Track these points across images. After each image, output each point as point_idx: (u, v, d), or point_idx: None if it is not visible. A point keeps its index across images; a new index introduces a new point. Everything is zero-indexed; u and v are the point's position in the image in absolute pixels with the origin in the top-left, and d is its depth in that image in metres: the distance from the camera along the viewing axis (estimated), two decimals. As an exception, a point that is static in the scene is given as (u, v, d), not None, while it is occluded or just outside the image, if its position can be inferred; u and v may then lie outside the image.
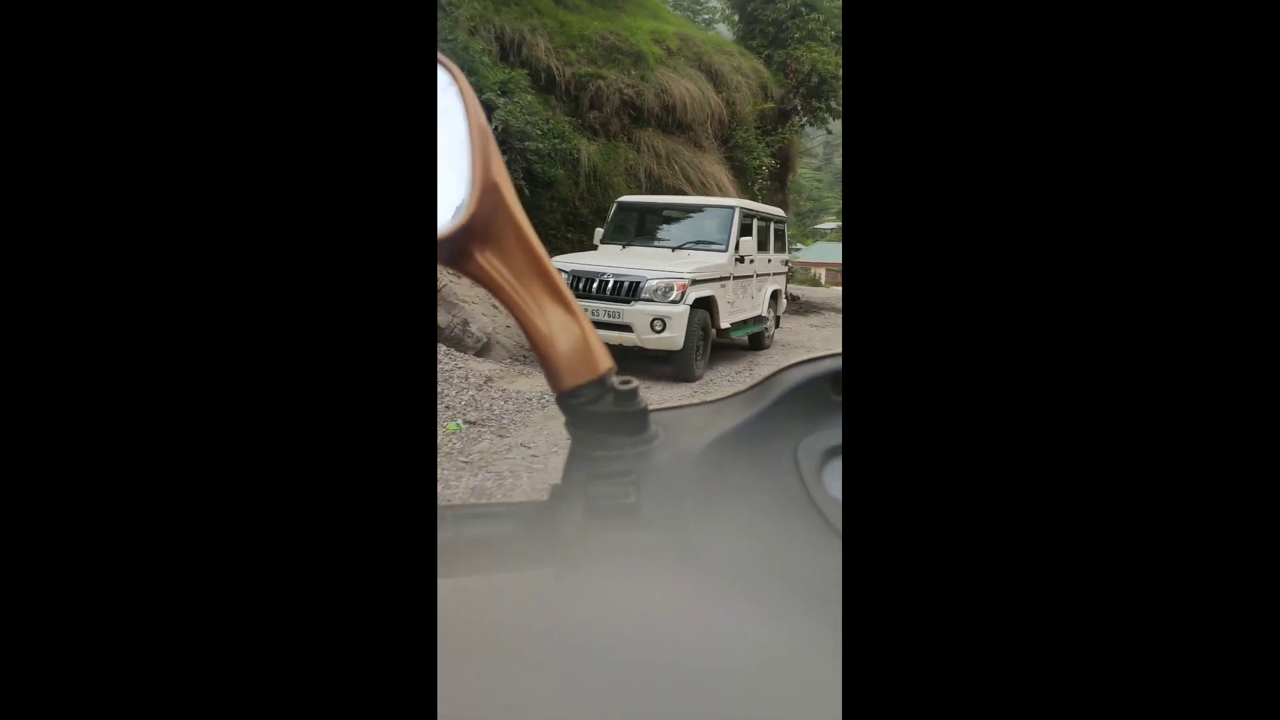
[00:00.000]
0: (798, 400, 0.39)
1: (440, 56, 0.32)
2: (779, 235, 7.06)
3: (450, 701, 0.25)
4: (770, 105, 10.33)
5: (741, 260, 5.77)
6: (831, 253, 33.15)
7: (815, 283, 23.38)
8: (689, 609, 0.32)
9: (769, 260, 6.64)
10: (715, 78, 9.36)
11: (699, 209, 6.09)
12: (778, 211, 7.26)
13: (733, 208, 5.92)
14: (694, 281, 4.97)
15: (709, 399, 0.42)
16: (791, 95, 10.94)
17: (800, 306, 10.44)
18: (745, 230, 5.80)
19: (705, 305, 5.17)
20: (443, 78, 0.33)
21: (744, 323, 6.07)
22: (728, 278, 5.58)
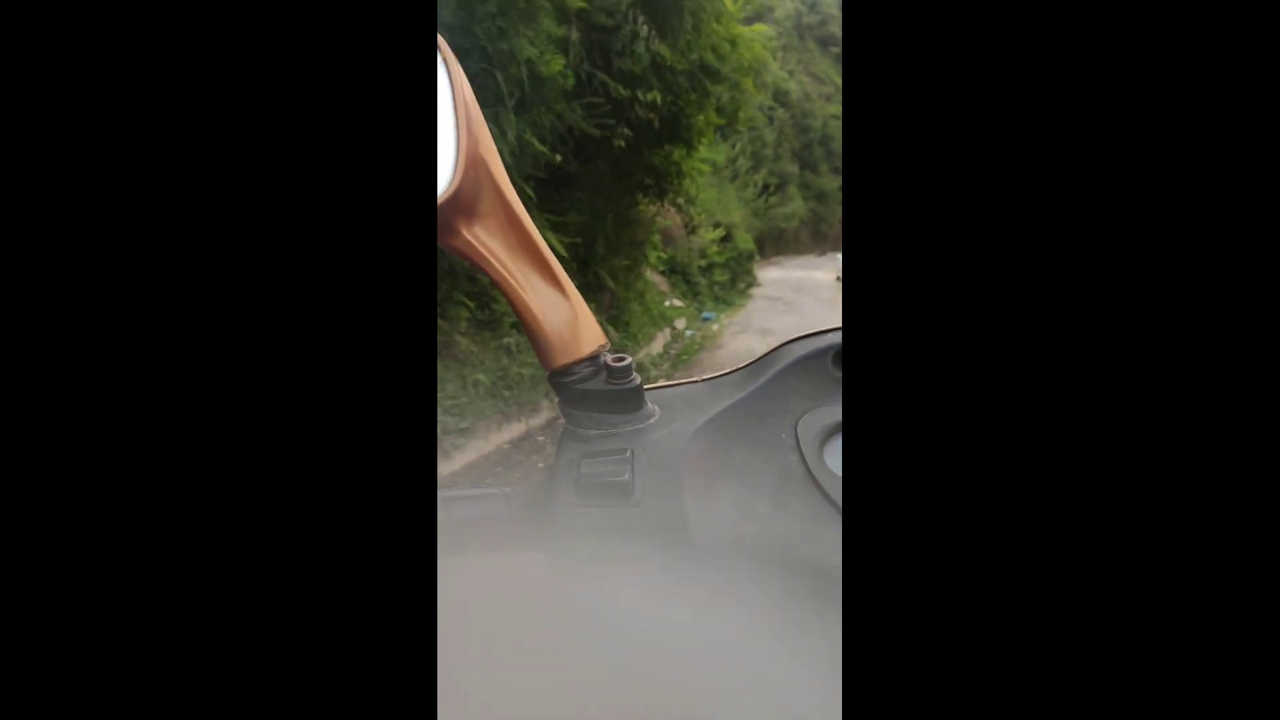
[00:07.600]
0: (797, 376, 0.38)
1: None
2: None
3: (443, 691, 0.25)
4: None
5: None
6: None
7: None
8: (682, 591, 0.32)
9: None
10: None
11: None
12: None
13: None
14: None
15: (705, 377, 0.41)
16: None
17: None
18: None
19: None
20: None
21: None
22: None
